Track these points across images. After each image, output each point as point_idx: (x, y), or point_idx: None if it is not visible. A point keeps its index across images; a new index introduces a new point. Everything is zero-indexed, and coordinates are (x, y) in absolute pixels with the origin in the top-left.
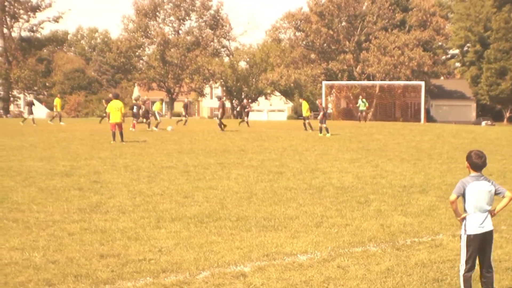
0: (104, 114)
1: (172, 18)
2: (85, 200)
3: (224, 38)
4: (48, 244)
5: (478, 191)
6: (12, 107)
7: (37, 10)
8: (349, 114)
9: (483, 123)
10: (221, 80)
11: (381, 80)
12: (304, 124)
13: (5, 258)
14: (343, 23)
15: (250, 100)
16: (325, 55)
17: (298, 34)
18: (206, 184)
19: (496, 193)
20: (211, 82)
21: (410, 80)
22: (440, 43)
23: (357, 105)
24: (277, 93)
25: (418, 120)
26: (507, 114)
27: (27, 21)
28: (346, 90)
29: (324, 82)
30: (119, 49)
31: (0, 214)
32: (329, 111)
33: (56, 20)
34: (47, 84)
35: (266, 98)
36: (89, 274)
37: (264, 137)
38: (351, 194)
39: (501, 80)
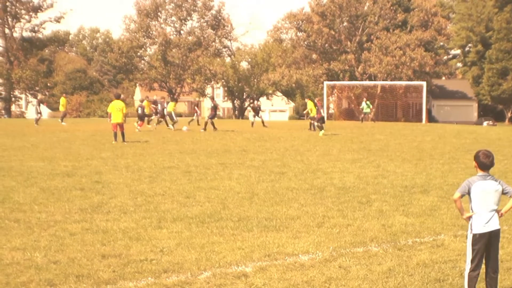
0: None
1: (173, 18)
2: (87, 200)
3: (226, 38)
4: (49, 244)
5: (484, 190)
6: (13, 108)
7: (39, 10)
8: (350, 114)
9: (485, 123)
10: (223, 80)
11: (383, 80)
12: (311, 124)
13: (6, 258)
14: (345, 23)
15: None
16: (326, 55)
17: (299, 34)
18: (207, 184)
19: (504, 193)
20: (212, 82)
21: (411, 80)
22: (441, 43)
23: (361, 107)
24: (279, 94)
25: (420, 120)
26: (509, 114)
27: (29, 21)
28: (347, 91)
29: (325, 83)
30: (121, 49)
31: (2, 214)
32: (331, 111)
33: (57, 20)
34: (48, 84)
35: (267, 99)
36: (91, 274)
37: (266, 137)
38: (352, 195)
39: (502, 80)
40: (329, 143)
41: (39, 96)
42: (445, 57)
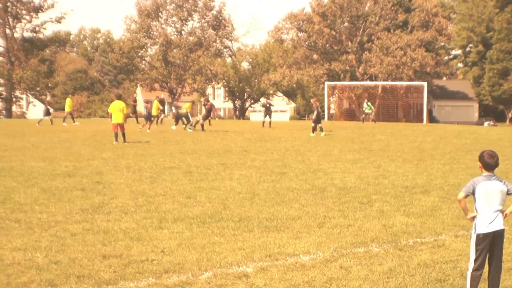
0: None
1: (174, 18)
2: (88, 200)
3: (227, 38)
4: (50, 244)
5: (488, 190)
6: (14, 108)
7: (40, 11)
8: (351, 114)
9: (486, 123)
10: (224, 81)
11: (384, 80)
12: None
13: (7, 258)
14: (346, 24)
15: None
16: (327, 56)
17: (300, 34)
18: (208, 185)
19: (509, 193)
20: (213, 82)
21: (412, 81)
22: (442, 44)
23: (363, 108)
24: (280, 94)
25: (421, 120)
26: (510, 115)
27: (30, 21)
28: (348, 91)
29: (326, 83)
30: (122, 50)
31: (3, 214)
32: (332, 111)
33: (58, 20)
34: (49, 84)
35: (268, 99)
36: (92, 274)
37: (267, 137)
38: (353, 195)
39: (503, 81)
40: (330, 144)
41: (48, 97)
42: (446, 58)
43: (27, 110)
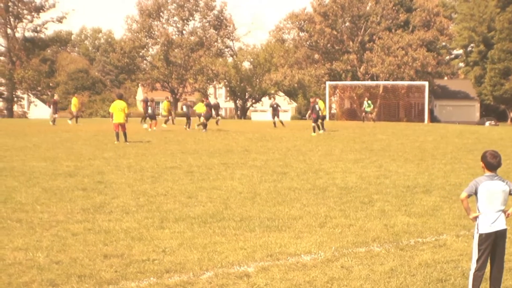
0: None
1: (175, 18)
2: (89, 200)
3: (228, 38)
4: (51, 244)
5: (490, 190)
6: (15, 108)
7: (41, 11)
8: (352, 114)
9: (487, 123)
10: (225, 81)
11: (385, 80)
12: (319, 124)
13: (8, 258)
14: (347, 24)
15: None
16: (328, 56)
17: (301, 34)
18: (209, 185)
19: (511, 193)
20: (214, 82)
21: (413, 80)
22: (444, 43)
23: (363, 107)
24: (281, 93)
25: (422, 120)
26: (511, 114)
27: (31, 21)
28: (349, 91)
29: (327, 83)
30: (123, 50)
31: (4, 214)
32: (333, 111)
33: (59, 20)
34: (50, 84)
35: (270, 99)
36: (93, 274)
37: (268, 137)
38: (354, 195)
39: (505, 80)
40: (331, 143)
41: (56, 96)
42: (447, 57)
43: (29, 110)
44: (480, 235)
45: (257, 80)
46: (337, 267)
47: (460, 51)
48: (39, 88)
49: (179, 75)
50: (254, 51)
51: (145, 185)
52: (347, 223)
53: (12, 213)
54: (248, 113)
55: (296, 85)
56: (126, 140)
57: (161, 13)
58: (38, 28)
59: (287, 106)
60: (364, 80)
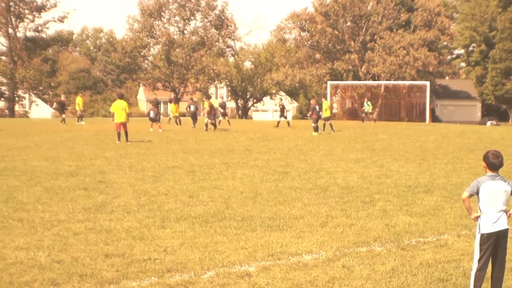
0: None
1: (177, 18)
2: (90, 199)
3: (229, 38)
4: (53, 243)
5: (492, 190)
6: (17, 107)
7: (42, 10)
8: (354, 114)
9: (488, 123)
10: (226, 80)
11: (386, 80)
12: (324, 125)
13: (10, 257)
14: (348, 23)
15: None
16: (330, 55)
17: (303, 34)
18: (211, 184)
19: None
20: (216, 82)
21: (415, 80)
22: (445, 43)
23: (363, 108)
24: (282, 93)
25: (423, 120)
26: None
27: (32, 21)
28: (351, 90)
29: (329, 82)
30: (124, 49)
31: (5, 213)
32: (334, 111)
33: (61, 20)
34: (52, 84)
35: (271, 98)
36: (94, 273)
37: (269, 137)
38: (356, 194)
39: (506, 80)
40: (333, 143)
41: (62, 97)
42: (449, 57)
43: (30, 110)
44: (482, 235)
45: (259, 79)
46: (338, 266)
47: (462, 51)
48: (41, 88)
49: (180, 75)
50: (255, 51)
51: (146, 184)
52: (348, 222)
53: (13, 212)
54: (249, 113)
55: (297, 85)
56: (127, 140)
57: (162, 13)
58: (40, 28)
59: (289, 106)
60: (365, 80)
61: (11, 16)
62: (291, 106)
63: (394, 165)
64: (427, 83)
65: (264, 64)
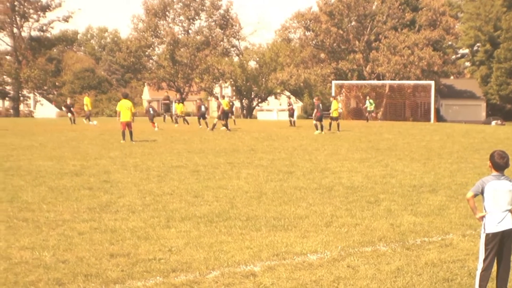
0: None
1: (181, 17)
2: (95, 199)
3: (234, 37)
4: (58, 243)
5: (497, 190)
6: (22, 107)
7: (47, 10)
8: (358, 113)
9: (493, 122)
10: (231, 80)
11: (391, 79)
12: (330, 124)
13: (15, 257)
14: (353, 23)
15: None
16: (334, 55)
17: (307, 33)
18: (216, 184)
19: None
20: (220, 81)
21: (420, 80)
22: (450, 43)
23: (365, 106)
24: (287, 93)
25: (428, 119)
26: None
27: (37, 20)
28: (356, 90)
29: (334, 82)
30: (129, 49)
31: (10, 213)
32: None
33: (66, 19)
34: (56, 83)
35: (276, 98)
36: (99, 273)
37: (274, 136)
38: (361, 194)
39: (511, 80)
40: (338, 143)
41: (68, 100)
42: (454, 57)
43: (35, 109)
44: (487, 234)
45: (263, 79)
46: (343, 266)
47: (466, 51)
48: (45, 87)
49: (185, 75)
50: (260, 51)
51: (151, 184)
52: (353, 222)
53: (18, 212)
54: (254, 112)
55: (302, 84)
56: (132, 139)
57: (167, 13)
58: (44, 28)
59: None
60: (370, 79)
61: (16, 16)
62: (296, 106)
63: (399, 164)
64: (432, 82)
65: (269, 63)
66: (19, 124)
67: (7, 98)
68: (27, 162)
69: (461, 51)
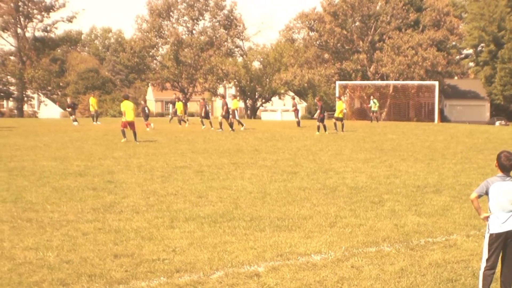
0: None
1: (185, 18)
2: (99, 200)
3: (238, 38)
4: (62, 244)
5: (502, 191)
6: (26, 107)
7: (51, 10)
8: (362, 114)
9: (497, 123)
10: (235, 80)
11: (395, 80)
12: (335, 124)
13: (19, 257)
14: (357, 23)
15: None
16: (338, 55)
17: (311, 34)
18: (220, 184)
19: None
20: (224, 82)
21: (424, 80)
22: (454, 43)
23: (369, 105)
24: (291, 93)
25: (432, 120)
26: None
27: (41, 21)
28: (359, 90)
29: (337, 82)
30: (133, 49)
31: (15, 213)
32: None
33: (70, 20)
34: (60, 84)
35: (279, 98)
36: (103, 274)
37: (278, 137)
38: (365, 194)
39: None
40: (342, 143)
41: (69, 99)
42: (458, 57)
43: (39, 110)
44: (491, 234)
45: (267, 79)
46: (347, 267)
47: (470, 51)
48: (49, 88)
49: (189, 75)
50: (264, 51)
51: (155, 184)
52: (357, 222)
53: (22, 212)
54: (258, 113)
55: (306, 84)
56: (136, 139)
57: (171, 13)
58: (48, 28)
59: (297, 106)
60: (374, 79)
61: (20, 16)
62: (300, 106)
63: (403, 165)
64: (436, 83)
65: (273, 64)
66: (23, 124)
67: (11, 99)
68: (31, 162)
69: (465, 52)
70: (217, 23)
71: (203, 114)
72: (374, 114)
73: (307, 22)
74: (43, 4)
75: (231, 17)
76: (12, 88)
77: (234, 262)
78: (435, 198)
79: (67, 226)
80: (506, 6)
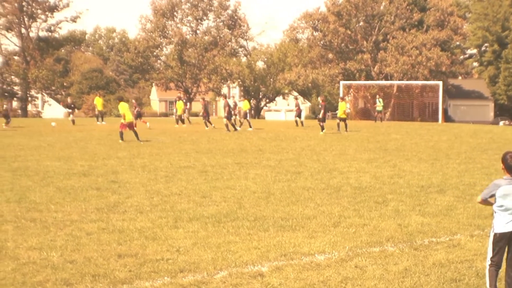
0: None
1: (189, 18)
2: (103, 199)
3: (242, 38)
4: (66, 243)
5: (508, 194)
6: (30, 107)
7: (55, 10)
8: (366, 114)
9: (501, 123)
10: (239, 80)
11: (399, 80)
12: (338, 125)
13: (23, 257)
14: (361, 23)
15: (268, 100)
16: (342, 55)
17: (315, 34)
18: (223, 184)
19: None
20: (228, 82)
21: (428, 80)
22: (458, 43)
23: (375, 105)
24: (295, 93)
25: (436, 120)
26: None
27: (45, 21)
28: (363, 90)
29: (341, 82)
30: (137, 49)
31: (18, 213)
32: (347, 111)
33: (73, 20)
34: (64, 84)
35: (283, 98)
36: (107, 273)
37: (282, 137)
38: (368, 194)
39: None
40: (345, 143)
41: (69, 99)
42: (461, 57)
43: (43, 110)
44: (495, 234)
45: (271, 79)
46: (351, 266)
47: (474, 51)
48: (53, 88)
49: (193, 75)
50: (268, 51)
51: (159, 184)
52: (361, 222)
53: (26, 212)
54: (262, 113)
55: (310, 84)
56: (138, 139)
57: (175, 13)
58: (52, 28)
59: (301, 106)
60: (378, 79)
61: (24, 16)
62: (304, 106)
63: (407, 165)
64: (440, 83)
65: (277, 64)
66: (27, 124)
67: (15, 99)
68: (35, 162)
69: (469, 51)
70: (221, 23)
71: (204, 114)
72: (379, 114)
73: (311, 22)
74: (47, 4)
75: (235, 17)
76: (16, 88)
77: (238, 262)
78: (439, 198)
79: (71, 226)
80: (510, 6)
